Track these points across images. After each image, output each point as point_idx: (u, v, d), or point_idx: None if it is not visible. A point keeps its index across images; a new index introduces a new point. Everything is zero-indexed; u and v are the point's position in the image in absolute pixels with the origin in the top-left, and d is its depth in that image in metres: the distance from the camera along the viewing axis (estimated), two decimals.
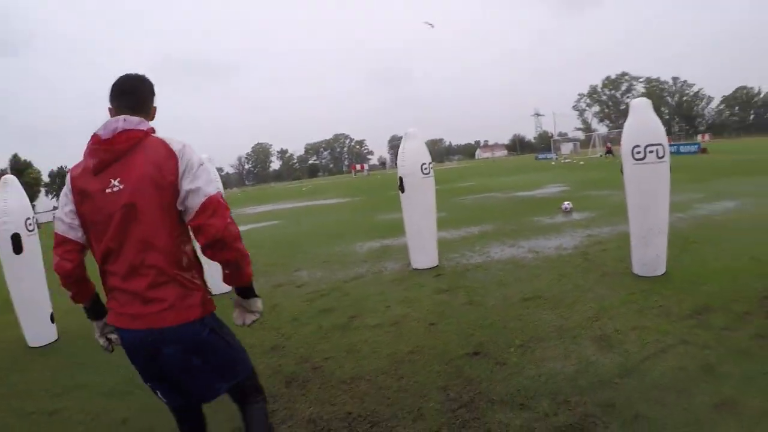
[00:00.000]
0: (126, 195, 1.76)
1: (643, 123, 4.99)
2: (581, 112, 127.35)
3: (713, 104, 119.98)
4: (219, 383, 1.97)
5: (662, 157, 4.88)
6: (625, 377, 3.04)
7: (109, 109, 1.94)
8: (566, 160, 45.69)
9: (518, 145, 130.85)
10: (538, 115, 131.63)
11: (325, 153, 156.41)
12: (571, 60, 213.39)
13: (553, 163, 42.41)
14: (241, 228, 1.93)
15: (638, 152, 4.94)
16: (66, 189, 1.91)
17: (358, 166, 79.77)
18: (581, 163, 35.05)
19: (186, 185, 1.79)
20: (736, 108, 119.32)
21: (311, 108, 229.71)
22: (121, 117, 1.83)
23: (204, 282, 1.97)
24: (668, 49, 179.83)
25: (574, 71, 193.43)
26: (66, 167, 51.24)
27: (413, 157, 6.48)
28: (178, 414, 2.13)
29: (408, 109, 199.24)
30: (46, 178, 74.21)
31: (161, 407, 3.22)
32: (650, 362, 3.18)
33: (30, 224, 5.15)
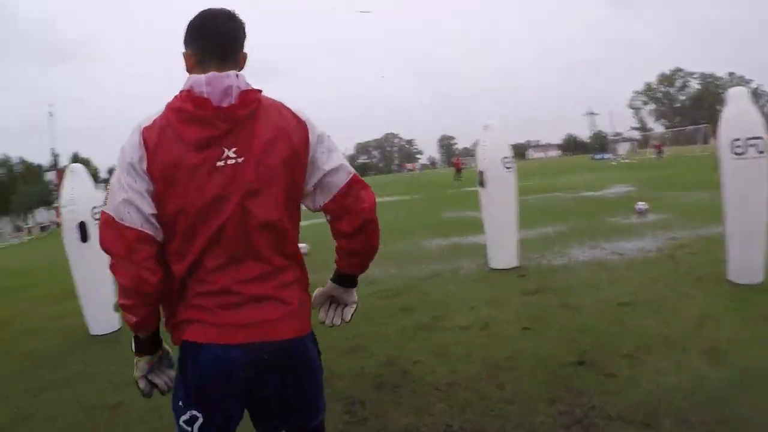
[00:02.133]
0: (247, 170, 1.30)
1: (743, 113, 4.62)
2: (636, 111, 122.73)
3: None
4: (308, 416, 1.48)
5: (762, 152, 4.51)
6: (738, 392, 2.77)
7: (187, 56, 1.39)
8: (626, 161, 44.32)
9: (572, 145, 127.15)
10: (592, 114, 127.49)
11: (375, 152, 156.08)
12: (621, 55, 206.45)
13: (613, 163, 41.06)
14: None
15: (738, 146, 4.54)
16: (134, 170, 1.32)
17: (409, 165, 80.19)
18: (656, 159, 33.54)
19: (323, 159, 1.41)
20: None
21: (361, 106, 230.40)
22: (231, 73, 1.33)
23: None
24: (721, 44, 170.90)
25: (624, 67, 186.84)
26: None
27: (494, 150, 6.27)
28: None
29: (454, 108, 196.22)
30: (105, 175, 77.08)
31: None
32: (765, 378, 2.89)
33: (96, 213, 5.02)
